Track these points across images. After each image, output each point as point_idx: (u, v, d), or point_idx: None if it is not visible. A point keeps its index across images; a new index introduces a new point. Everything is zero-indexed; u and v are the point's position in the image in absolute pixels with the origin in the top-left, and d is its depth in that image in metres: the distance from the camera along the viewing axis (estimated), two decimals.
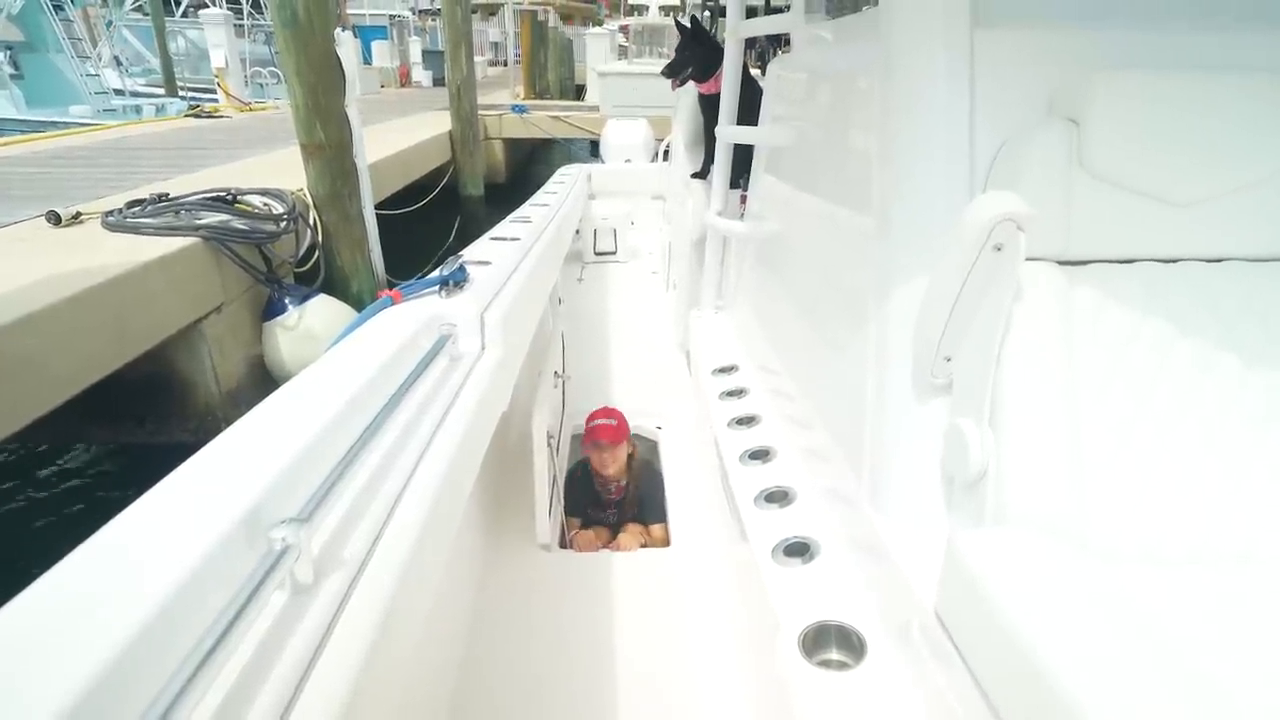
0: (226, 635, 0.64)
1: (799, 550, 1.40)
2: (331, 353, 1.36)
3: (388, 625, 0.87)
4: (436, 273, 1.80)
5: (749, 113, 2.52)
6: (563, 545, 2.51)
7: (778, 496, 1.59)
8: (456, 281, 1.78)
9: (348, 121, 5.23)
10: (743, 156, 2.64)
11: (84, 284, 3.24)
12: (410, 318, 1.56)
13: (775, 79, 2.30)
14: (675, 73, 3.23)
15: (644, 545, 2.55)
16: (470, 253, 2.16)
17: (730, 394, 2.15)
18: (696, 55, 3.13)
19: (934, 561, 1.06)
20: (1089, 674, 0.73)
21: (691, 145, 3.91)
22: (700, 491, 2.57)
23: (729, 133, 2.59)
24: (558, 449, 2.79)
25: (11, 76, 15.48)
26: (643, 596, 2.14)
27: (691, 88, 3.44)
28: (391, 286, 1.75)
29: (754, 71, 2.91)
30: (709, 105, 3.18)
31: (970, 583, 0.92)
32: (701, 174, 3.41)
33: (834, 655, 1.17)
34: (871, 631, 1.18)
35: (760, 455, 1.77)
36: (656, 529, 2.65)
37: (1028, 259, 1.10)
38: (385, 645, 0.86)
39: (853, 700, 1.08)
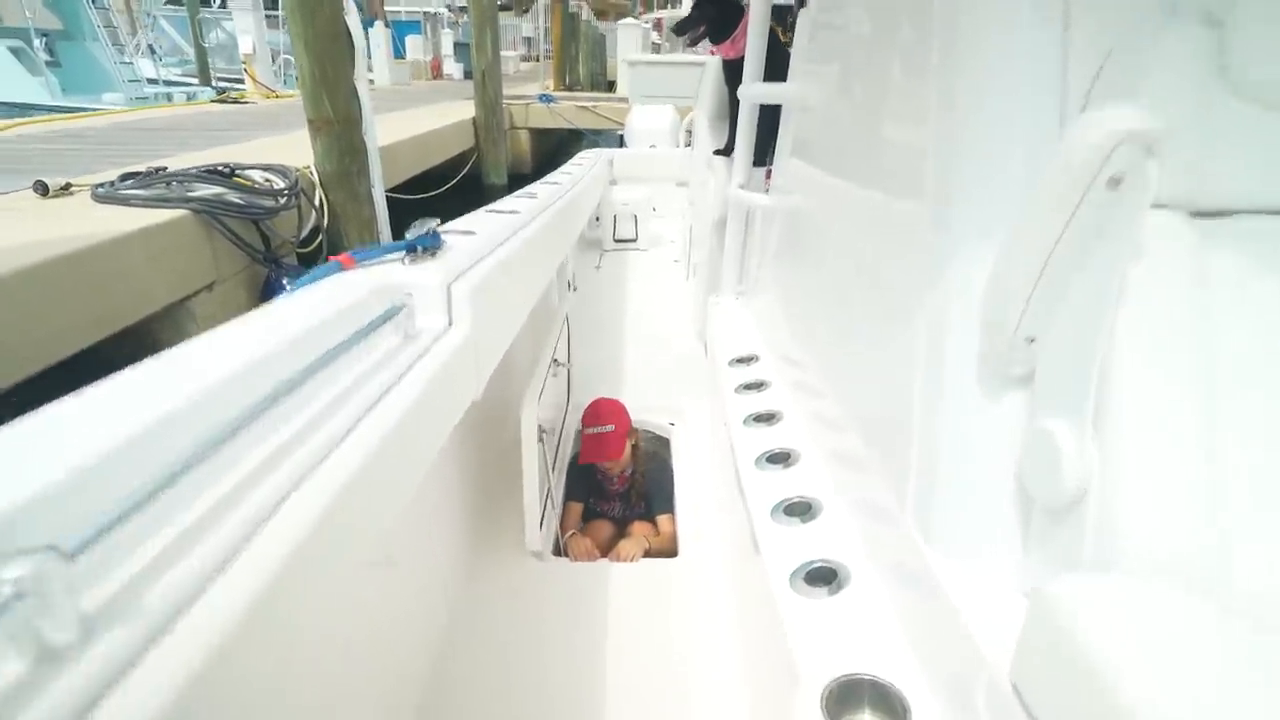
0: None
1: (825, 577, 1.13)
2: (230, 323, 1.06)
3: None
4: (405, 238, 1.52)
5: (776, 78, 2.27)
6: (557, 553, 2.28)
7: (800, 509, 1.32)
8: (426, 248, 1.50)
9: (357, 96, 5.05)
10: (769, 128, 2.37)
11: (52, 253, 3.07)
12: (354, 284, 1.28)
13: (806, 27, 2.02)
14: (686, 29, 3.03)
15: (649, 550, 2.31)
16: (455, 223, 1.87)
17: (749, 387, 1.88)
18: (708, 14, 2.94)
19: (1004, 609, 0.85)
20: None
21: (715, 121, 3.71)
22: (713, 495, 2.35)
23: (753, 91, 2.33)
24: (558, 444, 2.55)
25: (48, 64, 15.76)
26: (641, 618, 1.91)
27: (716, 62, 3.21)
28: None
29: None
30: (732, 73, 2.98)
31: (1063, 645, 0.68)
32: (725, 150, 3.18)
33: (867, 719, 0.89)
34: (917, 692, 0.89)
35: (780, 459, 1.50)
36: (664, 521, 2.48)
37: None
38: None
39: None
